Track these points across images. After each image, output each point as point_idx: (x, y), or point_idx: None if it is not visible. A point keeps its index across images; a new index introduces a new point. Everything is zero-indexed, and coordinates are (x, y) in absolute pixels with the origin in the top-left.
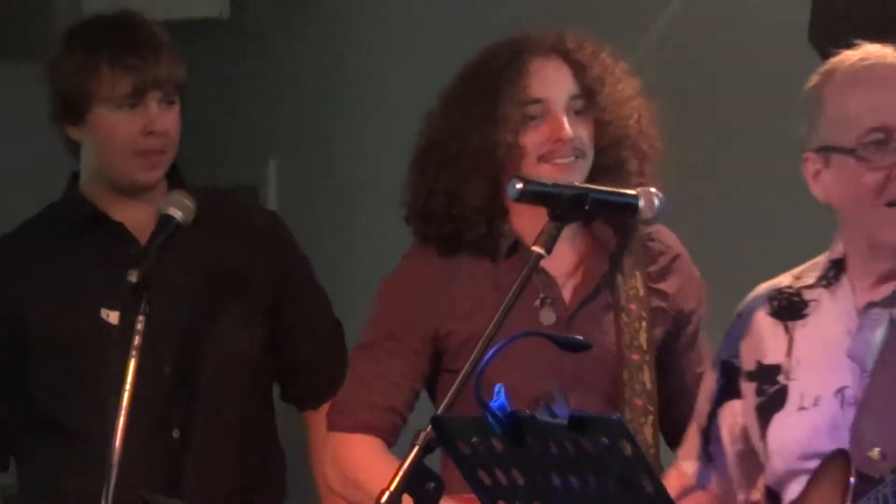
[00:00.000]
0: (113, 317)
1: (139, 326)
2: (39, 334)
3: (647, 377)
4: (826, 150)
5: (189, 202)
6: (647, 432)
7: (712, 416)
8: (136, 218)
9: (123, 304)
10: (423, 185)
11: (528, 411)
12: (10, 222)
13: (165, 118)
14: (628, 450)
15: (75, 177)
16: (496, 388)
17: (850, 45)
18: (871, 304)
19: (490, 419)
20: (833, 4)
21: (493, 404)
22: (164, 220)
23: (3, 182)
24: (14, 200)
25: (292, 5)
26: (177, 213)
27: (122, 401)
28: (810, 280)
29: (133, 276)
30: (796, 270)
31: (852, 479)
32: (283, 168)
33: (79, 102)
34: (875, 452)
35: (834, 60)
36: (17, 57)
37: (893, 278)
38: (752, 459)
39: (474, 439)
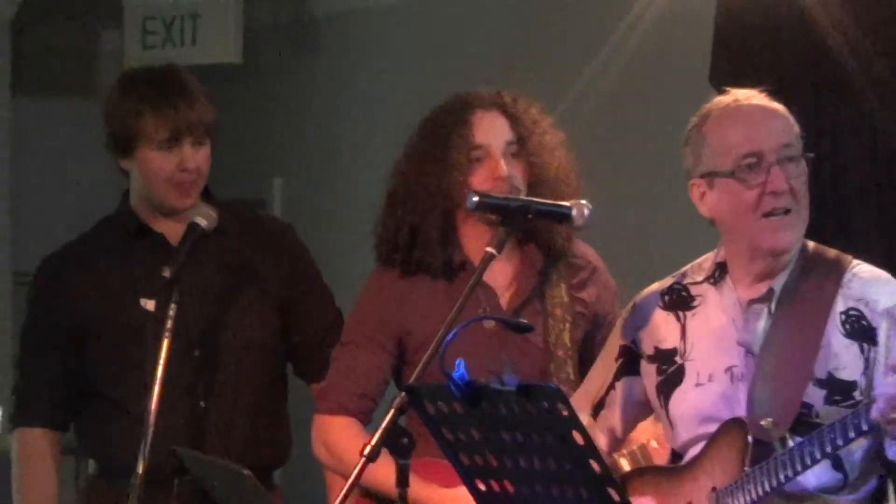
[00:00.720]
0: (150, 305)
1: (171, 313)
2: (93, 322)
3: (570, 369)
4: (710, 175)
5: (213, 212)
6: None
7: (610, 387)
8: (174, 230)
9: (159, 295)
10: (391, 221)
11: (483, 380)
12: (63, 233)
13: (197, 156)
14: (565, 411)
15: (126, 195)
16: (458, 362)
17: (745, 84)
18: (752, 301)
19: (452, 387)
20: (729, 52)
21: (455, 375)
22: (192, 227)
23: (64, 194)
24: (71, 210)
25: (295, 52)
26: (202, 222)
27: (156, 374)
28: (698, 279)
29: (166, 272)
30: (680, 272)
31: (750, 438)
32: (286, 185)
33: (128, 141)
34: (767, 421)
35: (709, 105)
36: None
37: (767, 277)
38: (633, 423)
39: (440, 403)
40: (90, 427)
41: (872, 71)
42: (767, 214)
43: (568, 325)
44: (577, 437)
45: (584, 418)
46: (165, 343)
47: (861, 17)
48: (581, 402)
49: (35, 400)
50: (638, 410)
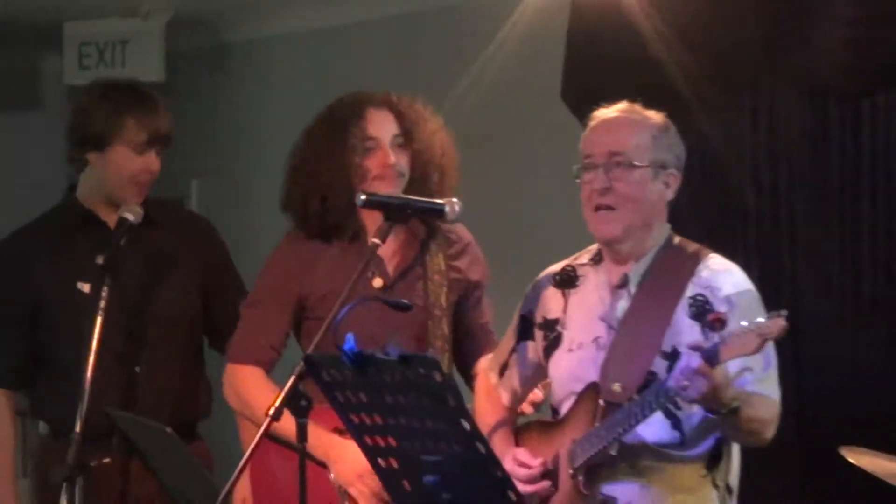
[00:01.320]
0: (86, 288)
1: (104, 295)
2: (41, 300)
3: (445, 326)
4: (577, 177)
5: (139, 209)
6: (444, 364)
7: (513, 351)
8: (115, 219)
9: (93, 279)
10: (298, 190)
11: (369, 351)
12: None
13: (157, 162)
14: (438, 377)
15: (71, 188)
16: (347, 336)
17: (594, 102)
18: (615, 286)
19: (344, 357)
20: (576, 76)
21: (346, 347)
22: (122, 221)
23: (9, 195)
24: (17, 208)
25: (209, 73)
26: (130, 216)
27: (91, 346)
28: (585, 261)
29: (100, 259)
30: (573, 257)
31: (601, 402)
32: (202, 185)
33: (103, 139)
34: (617, 386)
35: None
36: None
37: (622, 263)
38: (531, 382)
39: (333, 371)
40: (41, 392)
41: (699, 91)
42: (596, 209)
43: (444, 289)
44: (450, 400)
45: (493, 378)
46: (99, 321)
47: (689, 44)
48: (493, 365)
49: None
50: (533, 371)
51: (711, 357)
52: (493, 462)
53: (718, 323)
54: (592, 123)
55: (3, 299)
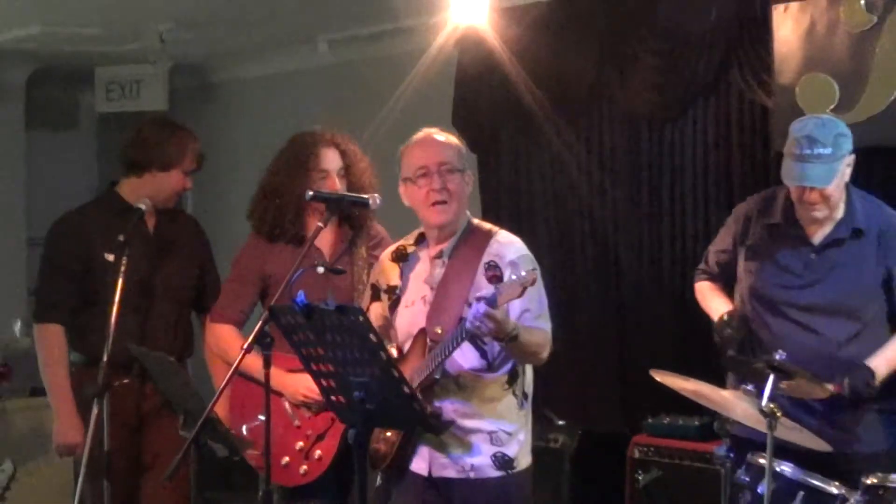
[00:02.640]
0: (110, 257)
1: (123, 263)
2: (85, 263)
3: (367, 296)
4: (405, 180)
5: (149, 202)
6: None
7: (367, 309)
8: (149, 214)
9: (115, 251)
10: (260, 207)
11: (314, 303)
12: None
13: (187, 182)
14: (363, 320)
15: (112, 184)
16: (299, 292)
17: (475, 127)
18: (434, 257)
19: (296, 308)
20: (463, 105)
21: (298, 300)
22: (136, 210)
23: (54, 194)
24: (58, 203)
25: (200, 103)
26: (142, 206)
27: (114, 300)
28: (411, 241)
29: (121, 237)
30: (404, 238)
31: (428, 341)
32: (195, 191)
33: (169, 163)
34: (438, 329)
35: (408, 141)
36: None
37: (440, 242)
38: (383, 330)
39: (289, 317)
40: (81, 330)
41: (548, 117)
42: (434, 204)
43: (365, 270)
44: (372, 337)
45: None
46: (120, 283)
47: (541, 84)
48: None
49: (52, 306)
50: (383, 322)
51: (492, 302)
52: (402, 382)
53: (495, 279)
54: (415, 144)
55: (58, 257)
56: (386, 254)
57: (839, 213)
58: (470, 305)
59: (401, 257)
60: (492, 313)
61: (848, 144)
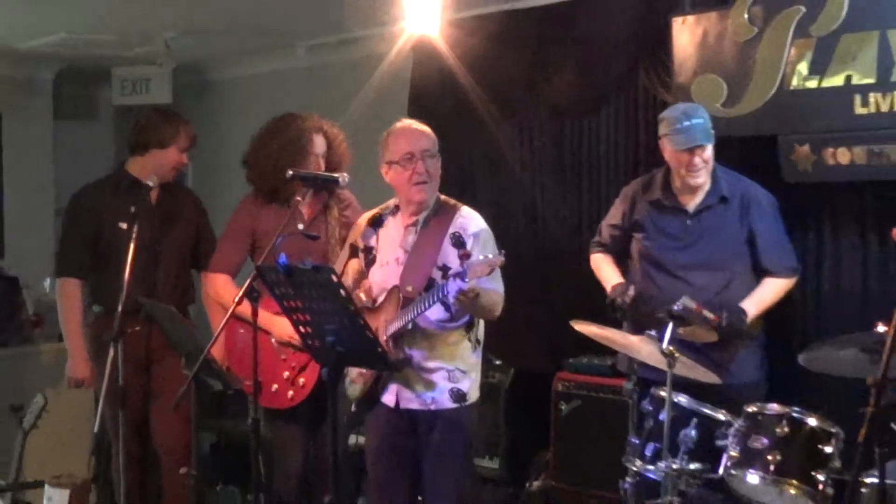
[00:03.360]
0: (124, 225)
1: (135, 230)
2: (99, 230)
3: (338, 250)
4: (391, 163)
5: (156, 178)
6: (339, 271)
7: (345, 265)
8: (153, 188)
9: (128, 220)
10: (257, 173)
11: (294, 263)
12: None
13: (183, 159)
14: (334, 278)
15: (122, 164)
16: (281, 255)
17: (429, 118)
18: (408, 225)
19: (279, 268)
20: (418, 100)
21: (280, 261)
22: (145, 186)
23: (76, 173)
24: (79, 180)
25: (199, 98)
26: (150, 182)
27: (128, 260)
28: (387, 212)
29: (132, 208)
30: (380, 206)
31: (401, 297)
32: (193, 170)
33: (166, 142)
34: (410, 288)
35: (391, 127)
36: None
37: (415, 214)
38: (357, 283)
39: (273, 275)
40: (99, 285)
41: (489, 112)
42: (416, 184)
43: (337, 229)
44: (341, 292)
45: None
46: (132, 247)
47: (483, 83)
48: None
49: (69, 264)
50: (358, 276)
51: (463, 277)
52: (366, 328)
53: (466, 257)
54: (400, 133)
55: (77, 224)
56: (364, 218)
57: (707, 185)
58: (438, 269)
59: (377, 223)
60: (466, 290)
61: (709, 125)
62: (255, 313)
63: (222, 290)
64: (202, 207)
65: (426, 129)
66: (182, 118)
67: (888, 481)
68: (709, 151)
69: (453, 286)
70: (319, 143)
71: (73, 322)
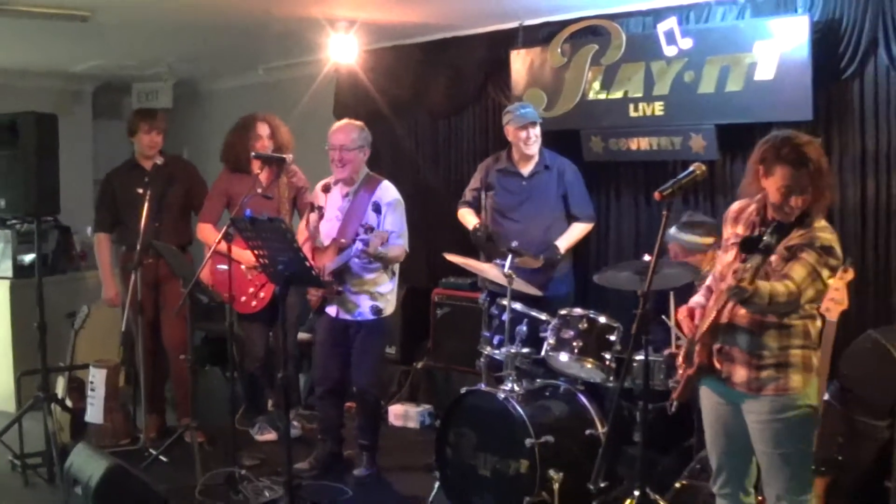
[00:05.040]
0: (139, 190)
1: (148, 194)
2: (118, 196)
3: (288, 207)
4: (328, 150)
5: (162, 158)
6: (301, 227)
7: (307, 220)
8: (147, 165)
9: (142, 186)
10: (229, 153)
11: (256, 216)
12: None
13: (158, 139)
14: (283, 226)
15: (133, 154)
16: (247, 210)
17: (349, 117)
18: (343, 196)
19: (245, 218)
20: (340, 103)
21: (246, 214)
22: (140, 166)
23: (105, 161)
24: (107, 166)
25: (191, 105)
26: (158, 160)
27: (143, 215)
28: (330, 182)
29: (146, 178)
30: (327, 179)
31: (339, 246)
32: (189, 149)
33: (134, 130)
34: (343, 240)
35: (334, 125)
36: (107, 117)
37: (348, 185)
38: (315, 231)
39: (241, 224)
40: (123, 232)
41: (395, 115)
42: (335, 166)
43: (287, 191)
44: (288, 236)
45: (301, 226)
46: (146, 205)
47: (385, 95)
48: (301, 229)
49: (100, 223)
50: (315, 224)
51: (366, 244)
52: (305, 260)
53: (371, 230)
54: (331, 131)
55: (105, 197)
56: (319, 185)
57: (537, 157)
58: (362, 227)
59: (327, 189)
60: (367, 251)
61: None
62: (229, 249)
63: (207, 234)
64: (195, 173)
65: (348, 128)
66: (139, 114)
67: (650, 358)
68: (538, 129)
69: (358, 246)
70: (263, 129)
71: (104, 263)
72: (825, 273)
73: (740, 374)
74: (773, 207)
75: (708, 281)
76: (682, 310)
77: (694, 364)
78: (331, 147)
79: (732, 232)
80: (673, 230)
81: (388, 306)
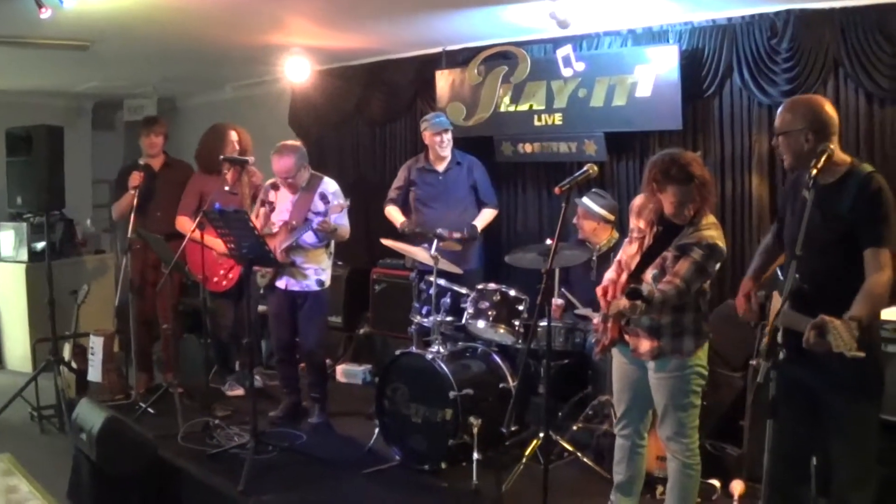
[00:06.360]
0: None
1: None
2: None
3: (249, 202)
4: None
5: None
6: (253, 219)
7: (258, 211)
8: (154, 164)
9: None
10: (202, 155)
11: (224, 209)
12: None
13: (158, 141)
14: (246, 217)
15: (138, 157)
16: (216, 204)
17: (303, 129)
18: (293, 193)
19: (215, 211)
20: (295, 114)
21: (216, 208)
22: (139, 164)
23: (100, 168)
24: (104, 173)
25: (171, 115)
26: (140, 161)
27: (133, 207)
28: (279, 182)
29: (140, 170)
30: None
31: (290, 228)
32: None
33: (141, 136)
34: (294, 223)
35: (277, 147)
36: (103, 128)
37: (291, 188)
38: (267, 219)
39: (212, 215)
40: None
41: (337, 124)
42: (286, 188)
43: (248, 189)
44: (251, 224)
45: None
46: (135, 201)
47: (333, 107)
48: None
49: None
50: (267, 213)
51: (325, 213)
52: (265, 244)
53: (326, 202)
54: (274, 157)
55: (120, 182)
56: (268, 183)
57: (450, 157)
58: (311, 212)
59: (274, 187)
60: (326, 222)
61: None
62: (202, 237)
63: (184, 225)
64: (190, 169)
65: (287, 157)
66: (145, 121)
67: (553, 324)
68: (449, 135)
69: (317, 220)
70: (232, 136)
71: (125, 204)
72: (710, 266)
73: (644, 345)
74: (670, 215)
75: (618, 257)
76: (599, 289)
77: (608, 338)
78: (278, 176)
79: (636, 225)
80: (584, 197)
81: (328, 280)
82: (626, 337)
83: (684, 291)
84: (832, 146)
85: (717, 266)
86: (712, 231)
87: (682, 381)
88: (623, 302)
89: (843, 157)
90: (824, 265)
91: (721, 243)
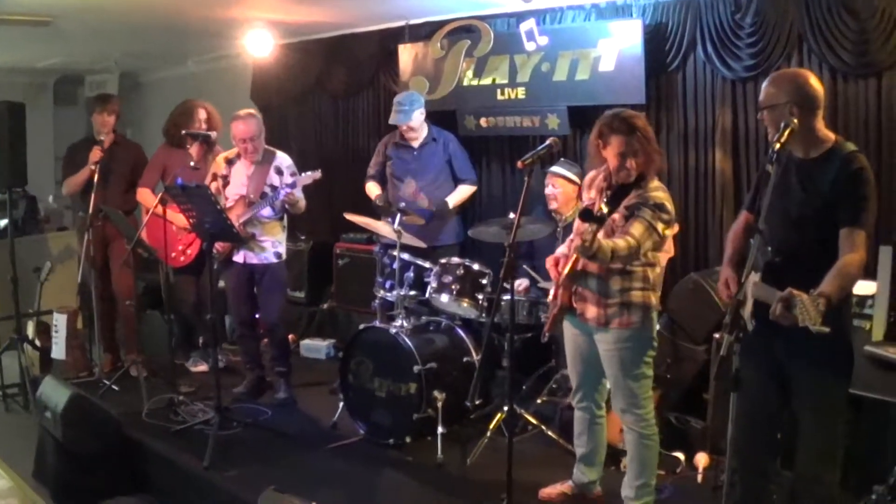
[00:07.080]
0: (96, 157)
1: (98, 164)
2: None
3: (220, 183)
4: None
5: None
6: (222, 200)
7: (217, 184)
8: (107, 143)
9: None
10: (170, 130)
11: (186, 184)
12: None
13: (110, 120)
14: (207, 192)
15: (91, 132)
16: (178, 178)
17: (264, 101)
18: (249, 165)
19: (178, 187)
20: (257, 88)
21: (178, 182)
22: (98, 140)
23: (62, 143)
24: (65, 145)
25: (134, 92)
26: (100, 138)
27: (94, 183)
28: (235, 154)
29: (98, 149)
30: (229, 151)
31: (247, 202)
32: (132, 131)
33: (91, 113)
34: (251, 195)
35: (234, 117)
36: (65, 104)
37: (250, 156)
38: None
39: (174, 191)
40: (81, 195)
41: (298, 97)
42: (248, 155)
43: (213, 164)
44: (213, 199)
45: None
46: (96, 176)
47: (295, 81)
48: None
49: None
50: (223, 188)
51: (293, 185)
52: (227, 219)
53: (275, 188)
54: (233, 125)
55: (71, 159)
56: (221, 157)
57: (425, 132)
58: (267, 185)
59: (231, 162)
60: (292, 194)
61: (419, 104)
62: (164, 211)
63: (145, 197)
64: (139, 151)
65: (249, 120)
66: (97, 99)
67: (516, 299)
68: (413, 123)
69: (285, 189)
70: (201, 114)
71: (79, 180)
72: (660, 226)
73: (591, 311)
74: (614, 172)
75: (572, 235)
76: (550, 259)
77: (558, 304)
78: (239, 139)
79: (588, 197)
80: (555, 166)
81: (284, 252)
82: (574, 303)
83: (634, 247)
84: (799, 121)
85: (667, 230)
86: (660, 193)
87: (631, 351)
88: (578, 225)
89: (827, 133)
90: (799, 238)
91: (669, 204)
